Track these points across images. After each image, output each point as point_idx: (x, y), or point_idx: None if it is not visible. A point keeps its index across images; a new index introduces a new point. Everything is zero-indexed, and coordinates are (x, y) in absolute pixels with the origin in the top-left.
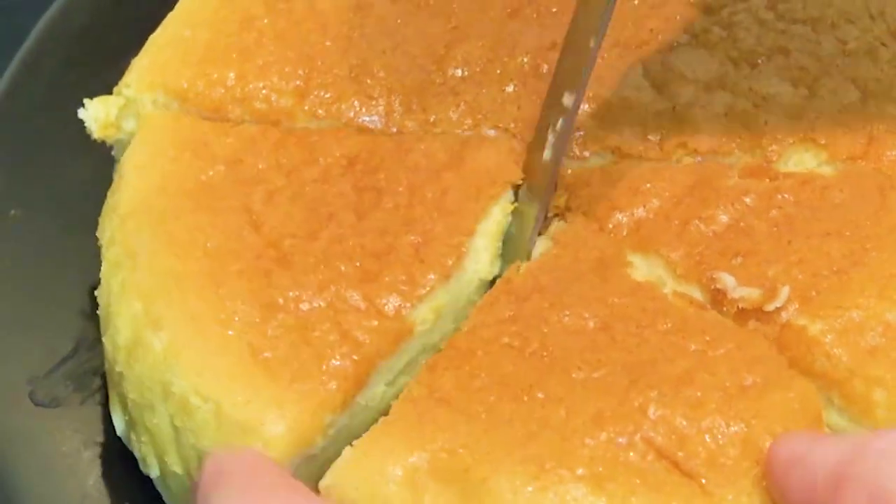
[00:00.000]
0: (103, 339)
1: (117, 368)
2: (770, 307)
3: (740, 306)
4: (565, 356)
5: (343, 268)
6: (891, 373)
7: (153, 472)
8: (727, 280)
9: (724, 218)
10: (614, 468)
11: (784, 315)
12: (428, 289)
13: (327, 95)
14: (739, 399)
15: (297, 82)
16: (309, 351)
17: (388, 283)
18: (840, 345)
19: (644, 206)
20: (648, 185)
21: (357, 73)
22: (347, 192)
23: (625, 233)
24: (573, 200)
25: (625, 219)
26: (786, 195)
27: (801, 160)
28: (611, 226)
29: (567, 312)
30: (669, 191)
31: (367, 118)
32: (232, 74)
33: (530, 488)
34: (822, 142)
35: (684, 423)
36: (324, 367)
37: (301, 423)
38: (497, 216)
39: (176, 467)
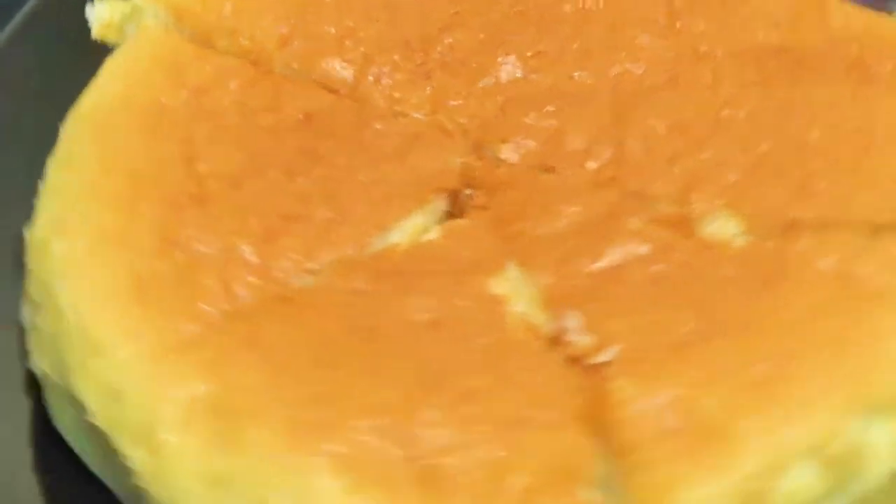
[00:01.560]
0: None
1: (28, 264)
2: (593, 360)
3: (570, 351)
4: (386, 342)
5: (251, 222)
6: (672, 463)
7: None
8: (572, 321)
9: (609, 259)
10: (362, 462)
11: (605, 371)
12: (319, 266)
13: (306, 48)
14: (514, 429)
15: (284, 29)
16: (186, 292)
17: (284, 248)
18: (637, 416)
19: (548, 224)
20: (562, 206)
21: (342, 34)
22: (290, 150)
23: (516, 243)
24: (489, 199)
25: (524, 230)
26: (681, 255)
27: (723, 226)
28: (507, 233)
29: (411, 302)
30: (579, 217)
31: (338, 79)
32: (229, 6)
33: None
34: (747, 212)
35: (447, 434)
36: (193, 310)
37: (151, 356)
38: (418, 220)
39: (48, 369)
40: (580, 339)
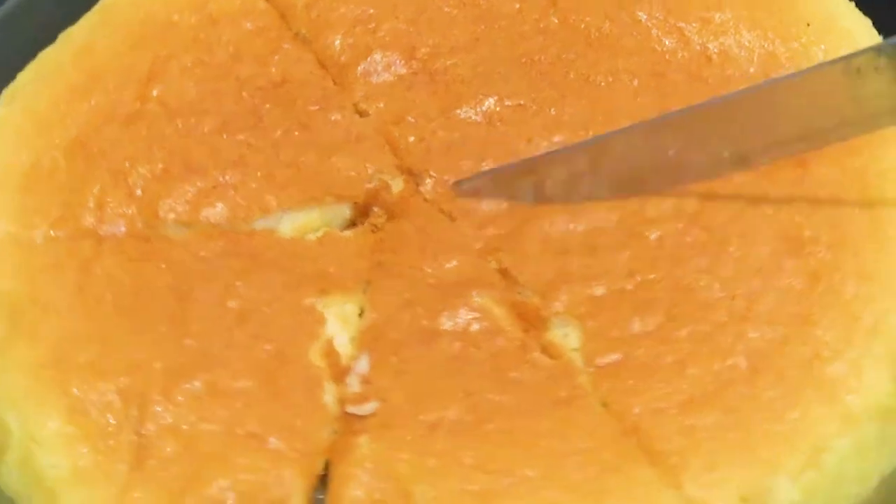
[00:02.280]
0: None
1: None
2: (351, 408)
3: (340, 392)
4: (189, 314)
5: (159, 157)
6: None
7: None
8: (361, 366)
9: (437, 321)
10: (92, 418)
11: (357, 423)
12: (191, 222)
13: (321, 19)
14: (250, 439)
15: None
16: (64, 193)
17: (171, 193)
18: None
19: (416, 267)
20: (439, 255)
21: (359, 18)
22: (242, 106)
23: (376, 273)
24: (386, 222)
25: (393, 264)
26: (499, 343)
27: (568, 336)
28: (377, 260)
29: (237, 287)
30: (443, 271)
31: (332, 57)
32: None
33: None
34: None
35: (179, 420)
36: (55, 211)
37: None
38: (311, 217)
39: None
40: (351, 384)
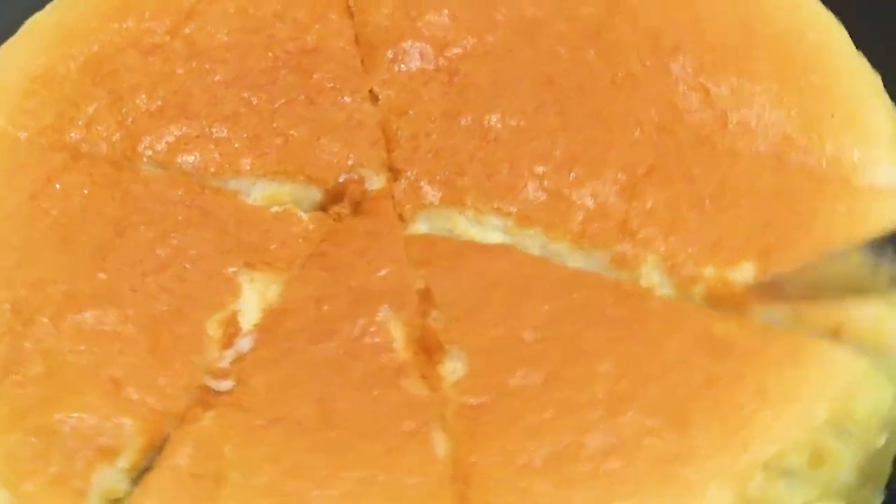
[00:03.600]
0: None
1: None
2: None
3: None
4: (119, 250)
5: (162, 92)
6: None
7: None
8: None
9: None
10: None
11: None
12: (166, 162)
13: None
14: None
15: None
16: (63, 105)
17: (156, 130)
18: None
19: (347, 265)
20: (376, 259)
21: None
22: (261, 62)
23: (311, 261)
24: (348, 214)
25: (330, 254)
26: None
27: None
28: (318, 249)
29: (172, 237)
30: (368, 279)
31: (375, 32)
32: None
33: None
34: None
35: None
36: (47, 124)
37: None
38: (282, 190)
39: None
40: (224, 359)
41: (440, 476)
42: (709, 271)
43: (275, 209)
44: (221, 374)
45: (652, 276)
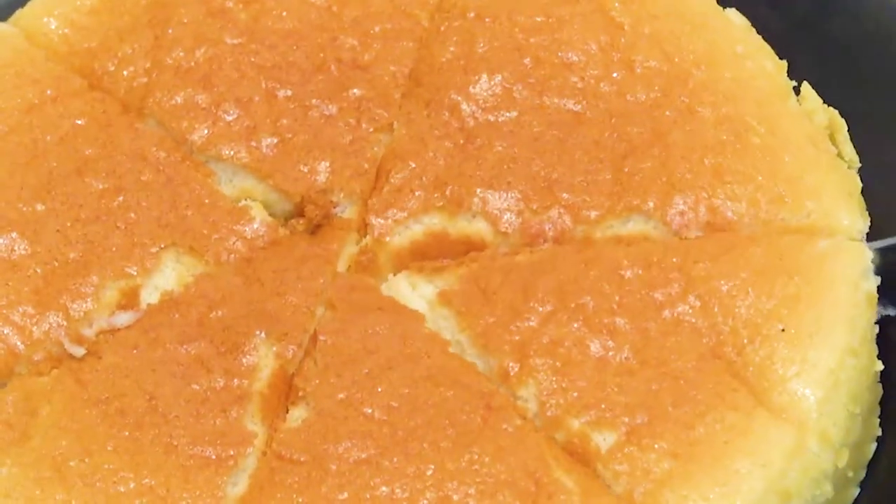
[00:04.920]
0: None
1: None
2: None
3: None
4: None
5: (199, 59)
6: None
7: None
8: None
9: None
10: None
11: None
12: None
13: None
14: None
15: None
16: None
17: (181, 94)
18: None
19: (259, 288)
20: (294, 281)
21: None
22: (324, 64)
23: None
24: (305, 230)
25: (254, 274)
26: None
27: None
28: (249, 261)
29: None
30: (281, 303)
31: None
32: None
33: None
34: None
35: None
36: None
37: None
38: (258, 190)
39: None
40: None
41: None
42: (575, 424)
43: (242, 203)
44: (79, 340)
45: (528, 402)
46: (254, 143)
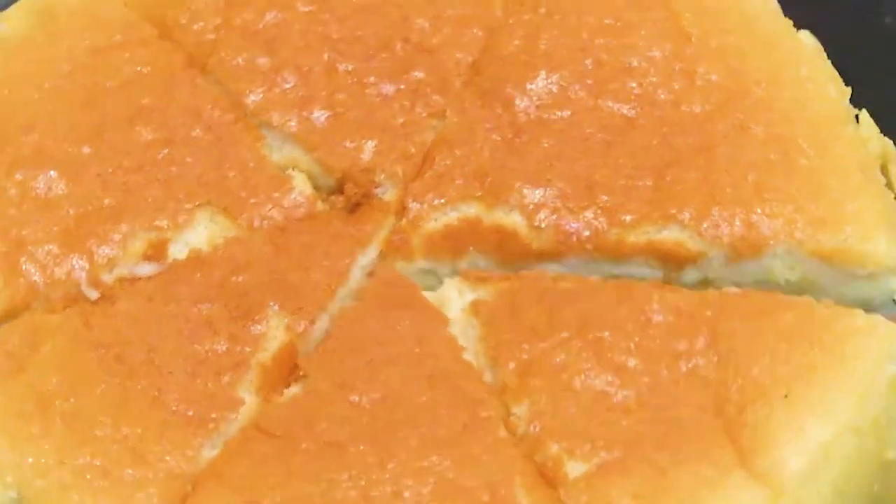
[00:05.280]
0: None
1: None
2: None
3: None
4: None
5: (278, 26)
6: None
7: None
8: None
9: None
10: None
11: None
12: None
13: None
14: None
15: None
16: None
17: (246, 56)
18: None
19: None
20: (313, 259)
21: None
22: (391, 43)
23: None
24: (346, 205)
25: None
26: None
27: None
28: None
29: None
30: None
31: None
32: None
33: None
34: None
35: None
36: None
37: None
38: (303, 161)
39: None
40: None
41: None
42: (554, 448)
43: (288, 172)
44: (96, 284)
45: (521, 419)
46: (305, 114)
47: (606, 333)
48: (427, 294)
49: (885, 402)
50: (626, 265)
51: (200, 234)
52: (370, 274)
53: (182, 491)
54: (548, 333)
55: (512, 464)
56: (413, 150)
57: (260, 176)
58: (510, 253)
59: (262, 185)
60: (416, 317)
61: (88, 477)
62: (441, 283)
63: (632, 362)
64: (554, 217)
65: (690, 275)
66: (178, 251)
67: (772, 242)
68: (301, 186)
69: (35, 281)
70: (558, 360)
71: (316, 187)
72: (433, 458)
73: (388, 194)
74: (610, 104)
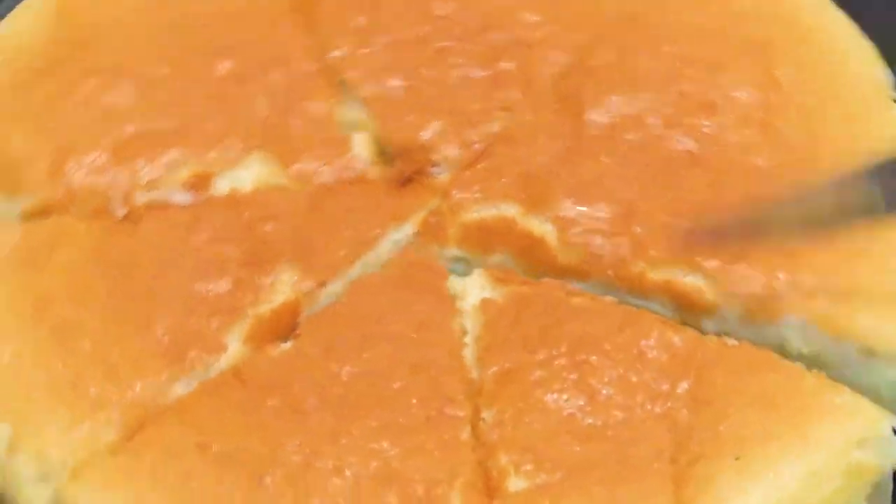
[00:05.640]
0: None
1: None
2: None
3: None
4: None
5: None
6: None
7: None
8: None
9: None
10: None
11: None
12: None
13: None
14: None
15: None
16: None
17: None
18: None
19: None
20: (362, 222)
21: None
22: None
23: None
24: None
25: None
26: None
27: None
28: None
29: None
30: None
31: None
32: None
33: None
34: None
35: None
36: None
37: None
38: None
39: None
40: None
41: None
42: (503, 459)
43: (352, 134)
44: (127, 202)
45: (488, 424)
46: (383, 81)
47: (594, 358)
48: (453, 280)
49: (840, 484)
50: (646, 301)
51: (248, 175)
52: (403, 251)
53: (141, 420)
54: (537, 347)
55: (461, 466)
56: (475, 139)
57: (323, 132)
58: (535, 261)
59: (322, 140)
60: (428, 302)
61: (55, 384)
62: (471, 273)
63: (608, 392)
64: (585, 236)
65: (708, 326)
66: (221, 187)
67: (786, 310)
68: (359, 150)
69: (75, 185)
70: (538, 374)
71: (381, 154)
72: (384, 443)
73: (443, 176)
74: (678, 137)
